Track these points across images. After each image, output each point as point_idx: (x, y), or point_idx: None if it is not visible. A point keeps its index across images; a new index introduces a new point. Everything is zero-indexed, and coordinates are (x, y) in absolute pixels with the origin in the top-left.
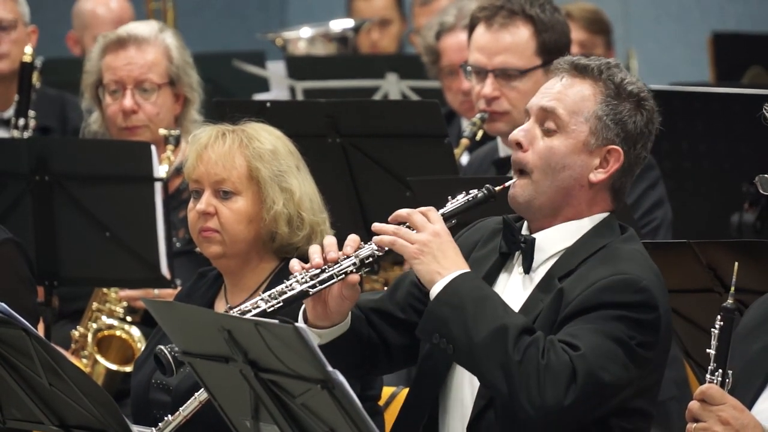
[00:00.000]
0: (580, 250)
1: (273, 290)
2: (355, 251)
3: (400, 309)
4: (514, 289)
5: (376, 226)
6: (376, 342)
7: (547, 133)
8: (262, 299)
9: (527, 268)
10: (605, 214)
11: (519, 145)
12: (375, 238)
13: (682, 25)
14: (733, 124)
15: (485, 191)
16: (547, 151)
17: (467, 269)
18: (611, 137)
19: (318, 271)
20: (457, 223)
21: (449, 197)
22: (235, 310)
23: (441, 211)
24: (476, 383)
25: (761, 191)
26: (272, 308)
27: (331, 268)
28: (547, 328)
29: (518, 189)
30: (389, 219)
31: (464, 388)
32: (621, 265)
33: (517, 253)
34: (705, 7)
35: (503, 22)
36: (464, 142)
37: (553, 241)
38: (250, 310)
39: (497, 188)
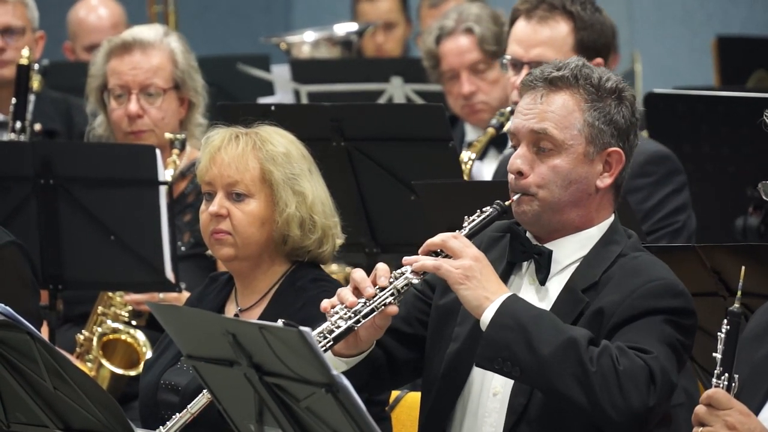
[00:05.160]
0: (596, 260)
1: (320, 328)
2: (389, 281)
3: (406, 323)
4: (528, 300)
5: (408, 259)
6: (381, 360)
7: (544, 153)
8: None
9: (542, 280)
10: (610, 219)
11: (519, 173)
12: (414, 263)
13: (687, 28)
14: (738, 127)
15: (497, 207)
16: (550, 172)
17: (510, 292)
18: (607, 140)
19: (360, 305)
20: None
21: (465, 217)
22: None
23: (463, 233)
24: (490, 398)
25: (765, 198)
26: (324, 348)
27: (371, 302)
28: None
29: (525, 206)
30: (421, 250)
31: (479, 406)
32: (651, 272)
33: (525, 263)
34: (709, 10)
35: (543, 15)
36: (490, 131)
37: (568, 252)
38: None
39: (507, 203)
